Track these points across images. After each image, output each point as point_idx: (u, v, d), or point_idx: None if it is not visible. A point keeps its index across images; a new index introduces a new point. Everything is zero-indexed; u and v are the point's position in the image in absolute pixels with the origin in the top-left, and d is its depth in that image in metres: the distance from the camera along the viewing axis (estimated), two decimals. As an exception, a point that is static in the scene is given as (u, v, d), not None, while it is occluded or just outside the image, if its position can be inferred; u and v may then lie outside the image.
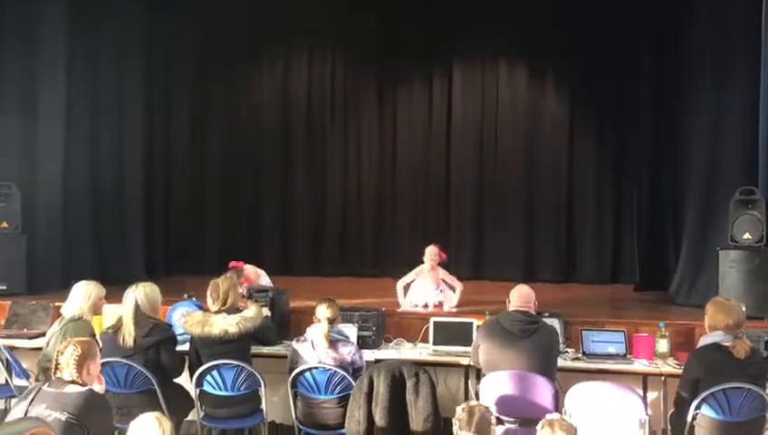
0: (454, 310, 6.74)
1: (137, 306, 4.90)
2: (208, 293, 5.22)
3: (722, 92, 7.17)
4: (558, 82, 9.72)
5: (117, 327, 4.92)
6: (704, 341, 4.54)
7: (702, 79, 7.42)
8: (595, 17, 9.16)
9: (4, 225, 7.51)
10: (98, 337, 4.99)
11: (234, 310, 5.07)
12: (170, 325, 5.51)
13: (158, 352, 4.88)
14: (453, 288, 6.98)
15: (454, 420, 3.49)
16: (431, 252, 6.96)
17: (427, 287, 6.93)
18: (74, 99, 8.24)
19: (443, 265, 7.06)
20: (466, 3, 9.48)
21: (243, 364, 4.85)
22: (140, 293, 4.95)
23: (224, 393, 4.90)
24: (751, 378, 4.25)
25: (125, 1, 8.69)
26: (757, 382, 4.27)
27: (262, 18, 9.86)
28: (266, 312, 5.72)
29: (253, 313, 5.08)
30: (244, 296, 6.00)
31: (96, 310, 5.21)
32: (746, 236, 6.52)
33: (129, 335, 4.82)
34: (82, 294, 5.13)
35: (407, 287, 7.02)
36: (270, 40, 10.20)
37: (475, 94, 9.94)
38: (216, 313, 5.04)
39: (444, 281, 7.01)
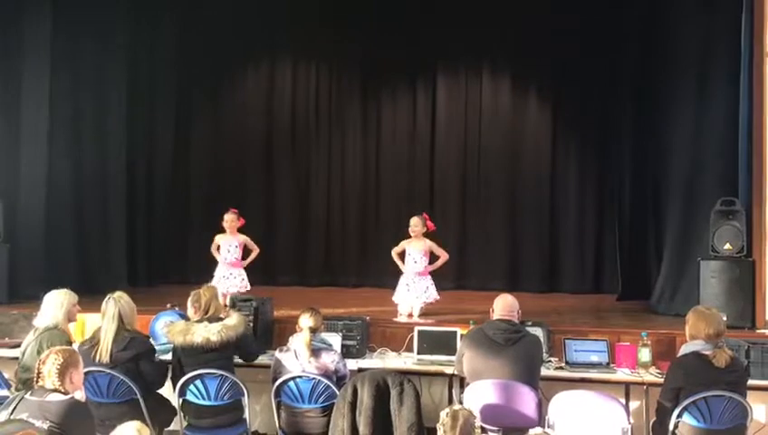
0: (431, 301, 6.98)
1: (120, 320, 4.84)
2: (189, 302, 5.23)
3: (702, 104, 7.25)
4: (540, 93, 9.80)
5: (94, 343, 4.83)
6: (684, 350, 4.57)
7: (683, 91, 7.50)
8: (579, 29, 9.24)
9: (-14, 233, 7.46)
10: (75, 345, 4.97)
11: (215, 319, 5.06)
12: (149, 336, 5.50)
13: (137, 365, 4.84)
14: (438, 257, 7.17)
15: (438, 425, 3.50)
16: (413, 223, 7.14)
17: (412, 287, 7.02)
18: (57, 109, 8.20)
19: (430, 234, 7.20)
20: (449, 13, 9.52)
21: (226, 373, 4.83)
22: (120, 304, 4.88)
23: (207, 403, 4.87)
24: (730, 385, 4.29)
25: (108, 14, 8.67)
26: (737, 390, 4.32)
27: (246, 30, 9.86)
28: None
29: (235, 321, 5.06)
30: (226, 306, 6.00)
31: (70, 317, 5.18)
32: (727, 246, 6.58)
33: (105, 352, 4.75)
34: (55, 303, 5.11)
35: (401, 255, 7.22)
36: (254, 52, 10.22)
37: (458, 105, 9.99)
38: (198, 321, 5.03)
39: (432, 251, 7.14)
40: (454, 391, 5.48)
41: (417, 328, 5.81)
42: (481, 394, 4.52)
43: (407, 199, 10.02)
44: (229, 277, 7.32)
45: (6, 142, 7.86)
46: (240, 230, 7.43)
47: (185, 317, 5.50)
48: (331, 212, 10.26)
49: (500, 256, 9.76)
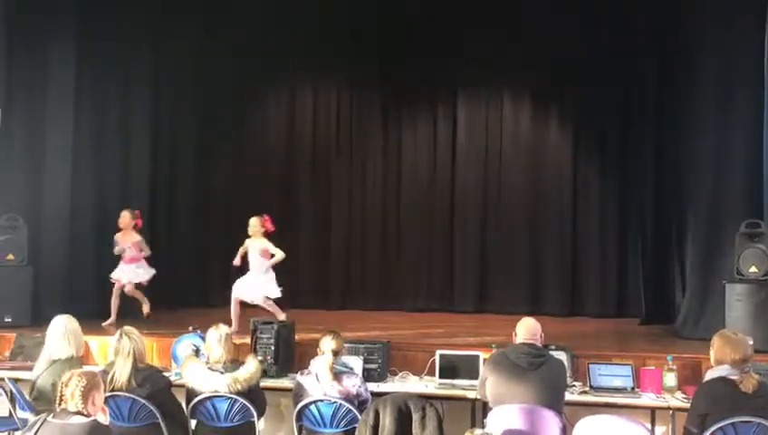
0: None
1: (134, 357, 4.74)
2: (207, 340, 5.09)
3: (724, 127, 7.21)
4: (561, 113, 9.75)
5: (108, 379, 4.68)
6: (710, 375, 4.50)
7: (705, 111, 7.45)
8: (598, 48, 9.20)
9: (11, 257, 7.51)
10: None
11: (231, 364, 4.94)
12: (169, 365, 5.45)
13: (155, 401, 4.72)
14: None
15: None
16: (251, 223, 7.21)
17: (251, 280, 7.11)
18: (81, 132, 8.31)
19: (268, 234, 7.21)
20: (471, 39, 9.55)
21: (235, 396, 4.77)
22: (135, 342, 4.77)
23: (217, 425, 4.84)
24: (758, 411, 4.21)
25: (131, 38, 8.77)
26: (766, 416, 4.23)
27: (266, 54, 9.92)
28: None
29: (248, 374, 4.87)
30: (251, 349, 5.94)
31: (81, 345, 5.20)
32: (752, 269, 6.51)
33: (121, 388, 4.68)
34: (69, 332, 5.13)
35: (243, 256, 7.27)
36: (274, 75, 10.27)
37: (478, 127, 9.95)
38: (210, 368, 4.93)
39: (269, 251, 7.12)
40: (477, 415, 5.43)
41: (438, 352, 5.79)
42: (504, 419, 4.47)
43: (427, 223, 10.01)
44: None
45: (30, 168, 7.97)
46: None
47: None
48: (352, 236, 10.24)
49: (522, 280, 9.67)
